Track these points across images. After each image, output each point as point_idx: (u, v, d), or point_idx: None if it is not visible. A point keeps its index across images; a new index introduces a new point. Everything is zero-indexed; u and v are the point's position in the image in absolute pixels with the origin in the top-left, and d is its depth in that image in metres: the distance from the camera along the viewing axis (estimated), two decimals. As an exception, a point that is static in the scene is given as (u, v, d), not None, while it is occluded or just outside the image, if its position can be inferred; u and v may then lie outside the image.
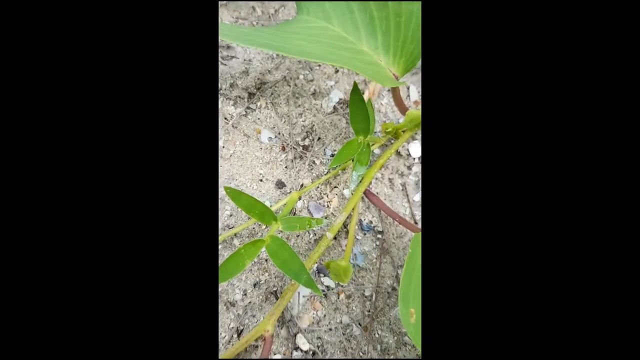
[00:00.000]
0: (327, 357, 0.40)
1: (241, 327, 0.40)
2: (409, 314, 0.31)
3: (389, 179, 0.49)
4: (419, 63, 0.54)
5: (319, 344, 0.40)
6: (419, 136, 0.51)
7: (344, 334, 0.41)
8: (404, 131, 0.44)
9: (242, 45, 0.35)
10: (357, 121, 0.40)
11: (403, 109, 0.45)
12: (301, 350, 0.40)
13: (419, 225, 0.47)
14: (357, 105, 0.39)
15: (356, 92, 0.38)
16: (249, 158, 0.46)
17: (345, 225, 0.45)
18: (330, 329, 0.41)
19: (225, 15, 0.54)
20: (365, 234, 0.46)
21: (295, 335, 0.40)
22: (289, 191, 0.45)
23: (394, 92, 0.42)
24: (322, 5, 0.39)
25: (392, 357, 0.40)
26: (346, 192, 0.47)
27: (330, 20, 0.39)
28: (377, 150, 0.49)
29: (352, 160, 0.44)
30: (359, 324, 0.41)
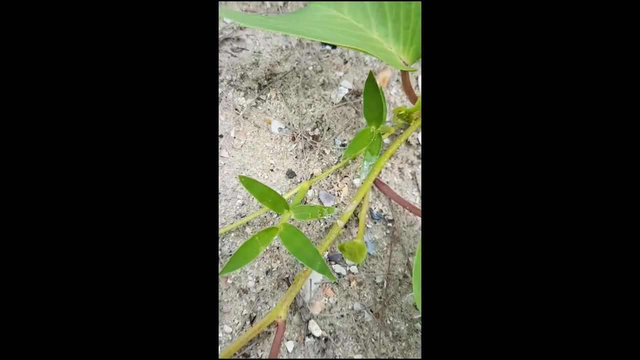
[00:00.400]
0: (339, 343, 0.40)
1: (254, 314, 0.40)
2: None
3: (399, 168, 0.49)
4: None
5: (331, 330, 0.40)
6: (428, 126, 0.51)
7: (355, 321, 0.41)
8: (416, 119, 0.45)
9: (254, 27, 0.35)
10: (371, 110, 0.41)
11: (413, 97, 0.45)
12: (314, 337, 0.40)
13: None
14: (371, 94, 0.39)
15: (371, 80, 0.38)
16: (259, 148, 0.47)
17: (355, 214, 0.45)
18: (342, 316, 0.41)
19: (235, 8, 0.54)
20: (375, 223, 0.46)
21: (307, 321, 0.40)
22: (299, 181, 0.45)
23: (404, 79, 0.42)
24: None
25: (404, 345, 0.40)
26: (356, 182, 0.47)
27: (341, 8, 0.39)
28: (386, 140, 0.49)
29: (363, 150, 0.44)
30: (371, 310, 0.42)
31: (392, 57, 0.39)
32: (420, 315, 0.31)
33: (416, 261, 0.34)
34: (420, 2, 0.38)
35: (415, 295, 0.32)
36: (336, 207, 0.45)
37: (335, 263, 0.43)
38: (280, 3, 0.54)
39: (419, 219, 0.47)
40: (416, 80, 0.53)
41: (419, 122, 0.50)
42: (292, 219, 0.39)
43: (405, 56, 0.40)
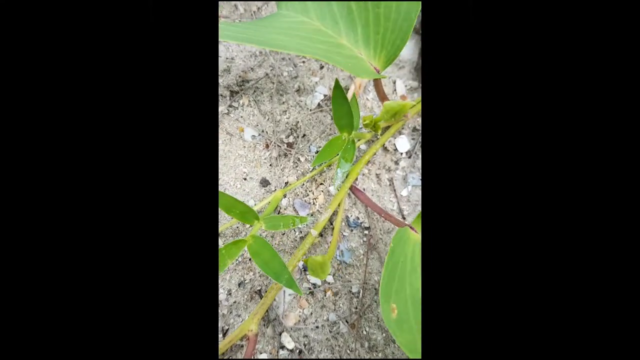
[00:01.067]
0: (313, 355, 0.39)
1: (226, 327, 0.39)
2: (390, 309, 0.31)
3: (376, 174, 0.48)
4: (415, 55, 0.53)
5: (306, 342, 0.40)
6: (405, 131, 0.50)
7: (330, 332, 0.40)
8: (388, 127, 0.44)
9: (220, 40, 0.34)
10: (341, 117, 0.40)
11: (387, 103, 0.44)
12: (287, 349, 0.39)
13: (406, 221, 0.46)
14: (339, 102, 0.38)
15: (338, 88, 0.38)
16: (232, 157, 0.46)
17: (332, 221, 0.45)
18: (317, 327, 0.40)
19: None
20: (352, 230, 0.45)
21: (280, 333, 0.39)
22: (273, 189, 0.45)
23: (377, 85, 0.41)
24: (300, -1, 0.38)
25: (380, 356, 0.40)
26: (332, 189, 0.46)
27: (309, 14, 0.39)
28: (363, 146, 0.49)
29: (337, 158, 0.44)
30: (346, 321, 0.41)
31: (362, 63, 0.39)
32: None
33: (385, 271, 0.33)
34: (389, 5, 0.37)
35: (382, 308, 0.31)
36: (312, 215, 0.45)
37: (310, 273, 0.42)
38: (255, 8, 0.54)
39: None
40: (394, 84, 0.52)
41: (396, 127, 0.49)
42: (264, 230, 0.38)
43: (376, 62, 0.39)
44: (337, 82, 0.38)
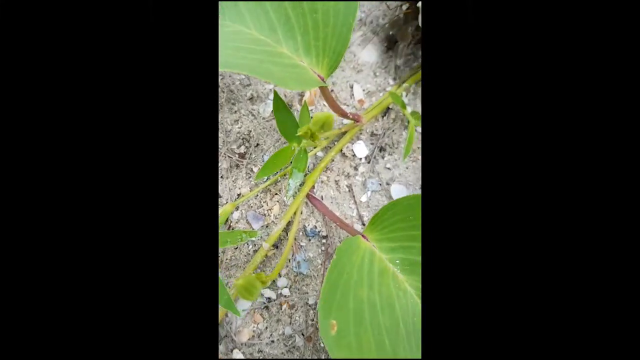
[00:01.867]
0: (267, 371, 0.38)
1: (178, 347, 0.39)
2: (330, 325, 0.30)
3: (335, 180, 0.48)
4: (373, 57, 0.52)
5: (260, 357, 0.39)
6: (363, 136, 0.49)
7: (286, 346, 0.39)
8: (345, 132, 0.43)
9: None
10: (286, 128, 0.39)
11: (337, 110, 0.43)
12: (239, 367, 0.38)
13: (361, 228, 0.45)
14: (281, 113, 0.37)
15: (277, 100, 0.37)
16: (184, 170, 0.45)
17: (289, 232, 0.44)
18: (272, 341, 0.40)
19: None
20: (310, 240, 0.44)
21: (232, 350, 0.39)
22: (224, 202, 0.44)
23: (324, 93, 0.41)
24: (236, 6, 0.37)
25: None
26: (290, 199, 0.45)
27: (246, 23, 0.38)
28: (320, 153, 0.48)
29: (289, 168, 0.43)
30: (302, 334, 0.40)
31: (304, 72, 0.38)
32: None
33: (325, 284, 0.32)
34: (326, 10, 0.37)
35: (320, 324, 0.30)
36: (266, 227, 0.44)
37: (266, 287, 0.42)
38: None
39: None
40: (351, 89, 0.51)
41: (352, 133, 0.48)
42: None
43: (319, 69, 0.38)
44: (275, 94, 0.37)
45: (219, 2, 0.37)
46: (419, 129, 0.49)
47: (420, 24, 0.50)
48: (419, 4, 0.48)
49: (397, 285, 0.36)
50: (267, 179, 0.45)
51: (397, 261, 0.37)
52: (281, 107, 0.36)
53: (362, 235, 0.39)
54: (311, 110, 0.49)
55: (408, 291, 0.36)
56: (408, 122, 0.47)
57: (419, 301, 0.36)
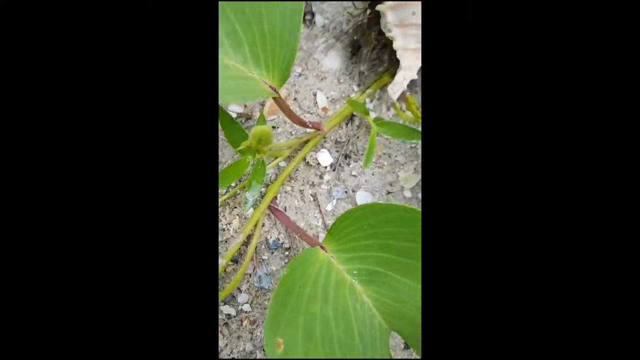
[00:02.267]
0: (226, 390, 0.38)
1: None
2: (276, 344, 0.29)
3: (300, 190, 0.47)
4: (337, 64, 0.52)
5: (220, 377, 0.38)
6: (327, 144, 0.48)
7: (246, 364, 0.39)
8: (307, 141, 0.42)
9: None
10: (236, 142, 0.38)
11: (296, 120, 0.43)
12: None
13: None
14: (228, 128, 0.36)
15: (223, 114, 0.36)
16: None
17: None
18: (233, 359, 0.39)
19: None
20: (272, 253, 0.44)
21: (190, 371, 0.38)
22: (183, 217, 0.43)
23: (279, 104, 0.40)
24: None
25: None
26: (250, 211, 0.45)
27: (192, 37, 0.37)
28: (282, 163, 0.47)
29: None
30: (264, 349, 0.39)
31: (255, 83, 0.37)
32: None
33: (273, 300, 0.31)
34: (272, 21, 0.36)
35: (265, 342, 0.29)
36: (226, 241, 0.43)
37: (225, 304, 0.41)
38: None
39: (317, 245, 0.44)
40: (314, 97, 0.50)
41: (314, 142, 0.47)
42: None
43: (270, 80, 0.38)
44: (221, 109, 0.36)
45: (219, 2, 0.37)
46: (386, 135, 0.48)
47: (382, 28, 0.49)
48: (379, 7, 0.47)
49: (354, 296, 0.35)
50: (226, 192, 0.44)
51: (355, 272, 0.36)
52: (227, 121, 0.36)
53: (321, 246, 0.38)
54: (272, 119, 0.48)
55: (365, 302, 0.35)
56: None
57: (376, 312, 0.35)
